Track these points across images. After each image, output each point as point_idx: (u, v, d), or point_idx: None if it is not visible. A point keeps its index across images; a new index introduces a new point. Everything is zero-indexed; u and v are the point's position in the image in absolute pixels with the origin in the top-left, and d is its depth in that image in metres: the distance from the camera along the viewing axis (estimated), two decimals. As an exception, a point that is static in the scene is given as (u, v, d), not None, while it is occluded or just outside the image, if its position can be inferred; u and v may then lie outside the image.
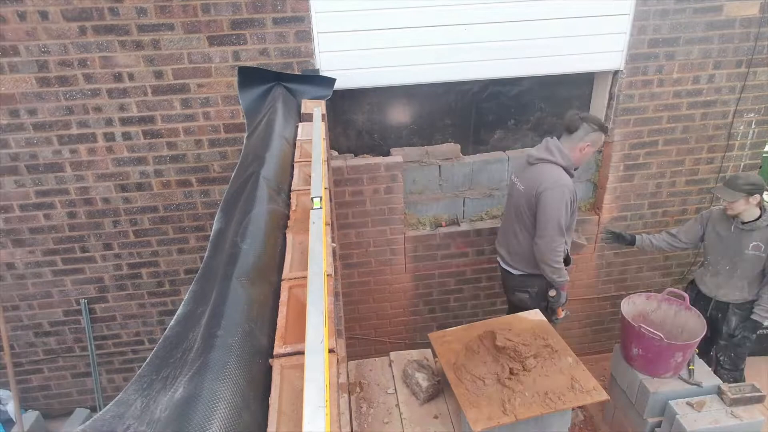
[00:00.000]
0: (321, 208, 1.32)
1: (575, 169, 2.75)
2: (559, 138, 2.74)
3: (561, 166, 2.67)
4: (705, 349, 3.31)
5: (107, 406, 0.78)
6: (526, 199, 2.73)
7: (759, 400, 2.84)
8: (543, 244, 2.68)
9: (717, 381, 3.00)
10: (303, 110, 2.26)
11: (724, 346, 3.18)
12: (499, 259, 3.08)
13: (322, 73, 2.84)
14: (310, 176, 1.72)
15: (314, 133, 1.95)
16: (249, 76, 2.47)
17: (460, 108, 3.30)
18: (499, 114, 3.37)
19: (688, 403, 2.86)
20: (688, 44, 3.07)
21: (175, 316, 1.00)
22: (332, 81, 2.64)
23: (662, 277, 3.84)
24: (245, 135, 2.16)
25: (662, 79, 3.15)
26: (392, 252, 3.44)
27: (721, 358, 3.21)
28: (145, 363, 0.88)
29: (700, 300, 3.23)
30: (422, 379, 2.53)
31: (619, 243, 3.33)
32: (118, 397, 0.81)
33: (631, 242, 3.29)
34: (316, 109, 2.33)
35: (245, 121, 2.32)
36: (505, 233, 3.01)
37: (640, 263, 3.75)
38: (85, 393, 3.56)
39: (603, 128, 2.70)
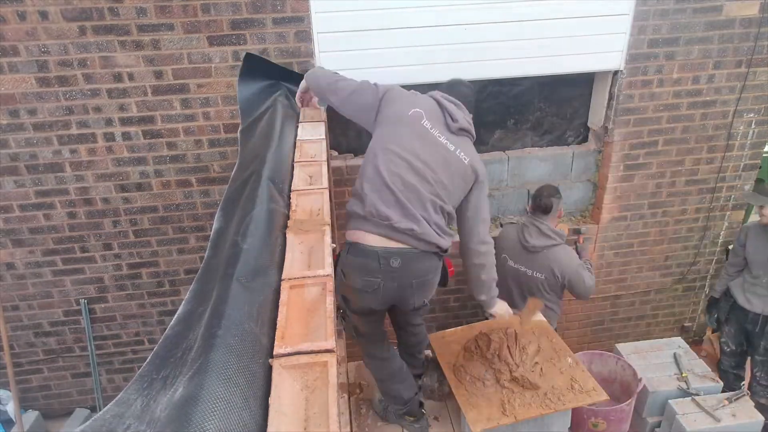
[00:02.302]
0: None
1: None
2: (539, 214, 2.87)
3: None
4: (740, 363, 3.29)
5: (107, 406, 0.78)
6: (549, 284, 2.89)
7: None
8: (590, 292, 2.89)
9: (716, 385, 3.02)
10: (302, 119, 2.26)
11: (760, 361, 3.11)
12: None
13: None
14: (310, 176, 1.72)
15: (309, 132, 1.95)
16: (254, 67, 2.46)
17: (460, 108, 3.30)
18: (499, 114, 3.37)
19: (693, 400, 2.87)
20: (688, 44, 3.07)
21: (176, 316, 1.00)
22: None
23: (662, 277, 3.84)
24: (239, 129, 2.15)
25: (662, 79, 3.15)
26: (392, 252, 3.43)
27: (758, 374, 3.14)
28: (145, 362, 0.88)
29: (735, 311, 3.17)
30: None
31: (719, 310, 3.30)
32: (119, 396, 0.81)
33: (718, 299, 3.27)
34: (315, 110, 2.34)
35: (239, 112, 2.31)
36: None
37: (640, 263, 3.75)
38: (85, 393, 3.55)
39: (557, 193, 2.87)
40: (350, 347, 3.54)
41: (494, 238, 3.00)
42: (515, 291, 3.01)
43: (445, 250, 1.98)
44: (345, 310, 2.10)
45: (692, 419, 2.79)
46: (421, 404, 2.41)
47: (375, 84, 2.05)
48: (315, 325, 1.06)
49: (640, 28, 2.99)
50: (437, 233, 1.89)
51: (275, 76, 2.57)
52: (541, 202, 2.85)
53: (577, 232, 3.41)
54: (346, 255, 1.88)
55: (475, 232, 2.07)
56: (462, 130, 2.03)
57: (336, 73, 2.13)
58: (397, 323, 2.45)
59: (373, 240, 1.82)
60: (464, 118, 2.04)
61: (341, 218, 3.26)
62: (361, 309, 2.00)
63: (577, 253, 3.04)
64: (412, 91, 2.09)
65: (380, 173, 1.85)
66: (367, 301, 1.92)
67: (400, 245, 1.83)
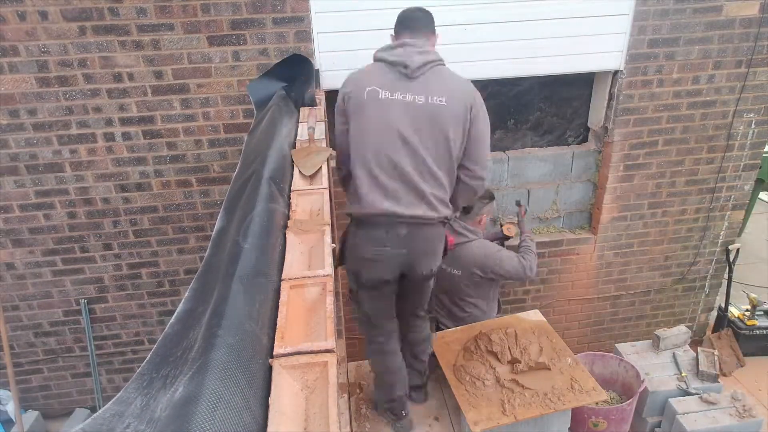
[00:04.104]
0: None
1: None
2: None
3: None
4: None
5: (107, 405, 0.78)
6: (467, 281, 2.85)
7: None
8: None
9: (717, 385, 3.02)
10: (302, 119, 2.26)
11: None
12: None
13: (322, 74, 2.83)
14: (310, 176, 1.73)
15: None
16: (263, 83, 2.49)
17: (460, 108, 3.30)
18: (499, 114, 3.37)
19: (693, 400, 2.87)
20: (688, 44, 3.07)
21: (176, 314, 1.00)
22: (304, 59, 2.60)
23: (662, 277, 3.84)
24: (247, 133, 2.16)
25: (662, 79, 3.15)
26: (392, 252, 3.43)
27: None
28: (145, 361, 0.88)
29: None
30: None
31: None
32: (118, 395, 0.80)
33: None
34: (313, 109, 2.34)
35: (254, 115, 2.33)
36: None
37: (640, 263, 3.75)
38: (84, 393, 3.55)
39: (491, 197, 2.89)
40: (350, 347, 3.53)
41: None
42: (440, 290, 2.97)
43: (449, 219, 2.00)
44: (355, 289, 2.09)
45: (692, 419, 2.79)
46: (404, 406, 2.40)
47: (337, 110, 1.98)
48: (315, 325, 1.06)
49: (640, 28, 2.99)
50: (439, 206, 1.92)
51: (284, 77, 2.55)
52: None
53: (517, 204, 3.28)
54: (355, 228, 1.94)
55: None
56: (422, 67, 1.87)
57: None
58: (403, 315, 2.34)
59: (381, 217, 1.87)
60: (418, 53, 1.88)
61: (341, 218, 3.26)
62: (372, 280, 1.98)
63: (519, 227, 3.10)
64: (364, 68, 1.98)
65: (372, 173, 1.85)
66: (378, 271, 1.94)
67: (406, 220, 1.88)
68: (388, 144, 1.84)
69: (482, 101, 1.99)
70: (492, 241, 3.02)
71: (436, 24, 2.94)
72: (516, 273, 2.81)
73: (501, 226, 3.39)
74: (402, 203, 1.86)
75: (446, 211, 1.96)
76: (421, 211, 1.87)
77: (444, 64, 1.97)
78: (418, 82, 1.86)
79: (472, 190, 2.07)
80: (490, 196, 2.93)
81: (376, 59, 1.96)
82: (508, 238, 3.14)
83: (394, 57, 1.88)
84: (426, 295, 2.25)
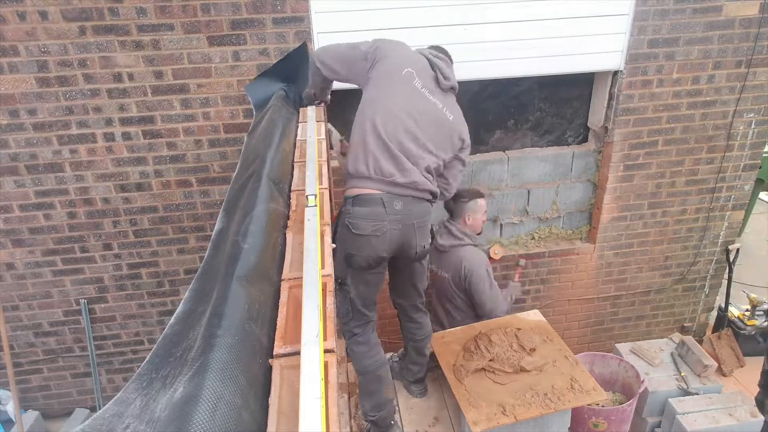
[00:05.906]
0: (315, 206, 1.31)
1: (478, 234, 2.99)
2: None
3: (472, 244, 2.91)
4: None
5: (107, 405, 0.78)
6: (455, 284, 2.87)
7: None
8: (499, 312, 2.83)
9: (716, 385, 3.01)
10: (302, 119, 2.26)
11: None
12: None
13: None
14: (310, 176, 1.72)
15: (309, 131, 1.96)
16: (262, 84, 2.49)
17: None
18: (499, 114, 3.37)
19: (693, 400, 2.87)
20: (688, 44, 3.07)
21: (175, 315, 0.99)
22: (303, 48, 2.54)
23: (662, 277, 3.84)
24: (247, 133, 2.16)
25: (662, 79, 3.15)
26: (392, 252, 3.43)
27: None
28: (144, 361, 0.88)
29: None
30: None
31: None
32: (118, 395, 0.80)
33: None
34: (311, 109, 2.34)
35: (253, 116, 2.33)
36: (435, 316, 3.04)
37: (640, 263, 3.75)
38: (84, 393, 3.56)
39: (475, 195, 2.89)
40: (350, 347, 3.53)
41: None
42: (433, 294, 3.03)
43: (436, 196, 2.12)
44: (344, 278, 2.02)
45: (692, 419, 2.79)
46: (393, 415, 2.28)
47: (362, 46, 2.07)
48: (315, 325, 1.06)
49: (640, 28, 2.99)
50: (429, 181, 2.07)
51: (281, 75, 2.55)
52: (446, 205, 2.91)
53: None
54: (351, 207, 1.97)
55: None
56: (451, 89, 2.14)
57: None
58: (406, 310, 2.36)
59: (377, 190, 1.97)
60: (453, 76, 2.14)
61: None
62: (368, 259, 1.97)
63: (507, 287, 3.07)
64: (403, 43, 2.11)
65: (379, 133, 1.96)
66: (374, 247, 1.96)
67: (401, 193, 1.99)
68: (403, 128, 1.98)
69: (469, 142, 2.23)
70: None
71: (436, 23, 2.96)
72: (487, 302, 2.78)
73: (501, 226, 3.40)
74: (402, 171, 1.97)
75: (435, 187, 2.09)
76: (416, 179, 1.98)
77: None
78: (441, 95, 2.10)
79: (442, 197, 2.30)
80: (470, 195, 2.87)
81: (421, 53, 2.12)
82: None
83: (440, 64, 2.09)
84: (423, 281, 2.29)
